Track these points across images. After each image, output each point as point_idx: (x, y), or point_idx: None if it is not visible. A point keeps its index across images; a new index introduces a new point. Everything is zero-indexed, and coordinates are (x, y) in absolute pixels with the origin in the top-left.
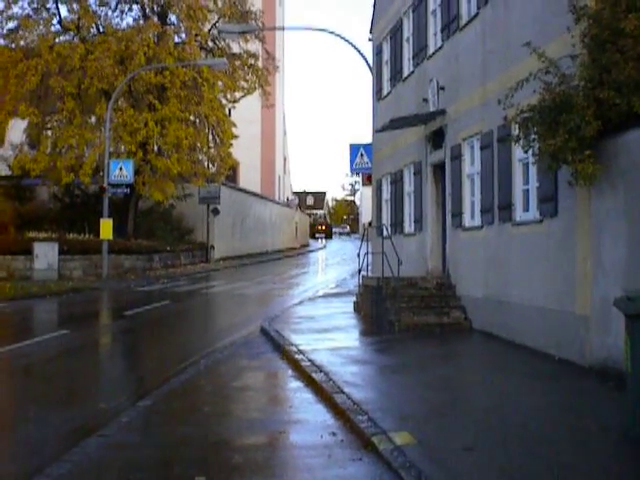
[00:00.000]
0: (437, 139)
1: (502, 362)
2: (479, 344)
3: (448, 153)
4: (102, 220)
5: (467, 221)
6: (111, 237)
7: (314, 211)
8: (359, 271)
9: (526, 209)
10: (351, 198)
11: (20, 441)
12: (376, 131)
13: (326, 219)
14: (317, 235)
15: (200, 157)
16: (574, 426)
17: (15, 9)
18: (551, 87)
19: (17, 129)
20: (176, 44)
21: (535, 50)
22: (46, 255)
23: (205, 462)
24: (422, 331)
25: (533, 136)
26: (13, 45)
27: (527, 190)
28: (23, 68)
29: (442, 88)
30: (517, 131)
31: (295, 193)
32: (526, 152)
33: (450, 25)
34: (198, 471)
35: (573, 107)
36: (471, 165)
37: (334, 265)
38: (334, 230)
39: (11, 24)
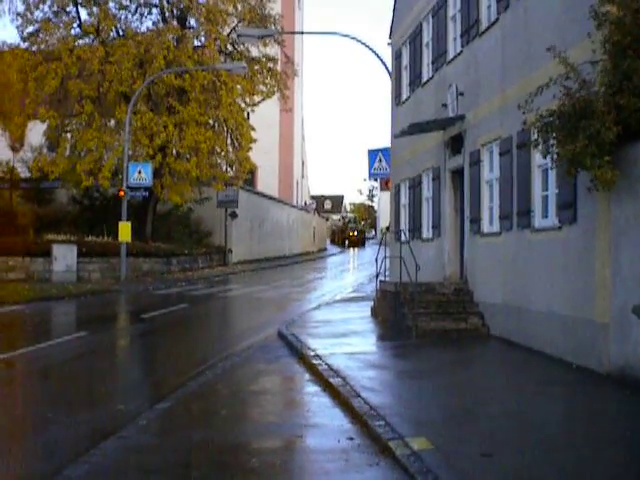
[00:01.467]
0: (456, 144)
1: (520, 369)
2: (497, 350)
3: (467, 159)
4: (121, 223)
5: (485, 227)
6: (129, 240)
7: (333, 215)
8: (376, 276)
9: (545, 215)
10: (369, 203)
11: (39, 442)
12: (395, 136)
13: (356, 222)
14: (347, 242)
15: (218, 161)
16: (592, 433)
17: (36, 13)
18: (571, 92)
19: (36, 132)
20: (195, 48)
21: (559, 54)
22: (65, 257)
23: (222, 465)
24: (439, 337)
25: (552, 141)
26: (33, 48)
27: (546, 196)
28: (43, 71)
29: (461, 93)
30: (536, 136)
31: (313, 197)
32: (545, 157)
33: (470, 30)
34: (216, 474)
35: (593, 113)
36: (490, 171)
37: (351, 270)
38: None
39: (32, 27)
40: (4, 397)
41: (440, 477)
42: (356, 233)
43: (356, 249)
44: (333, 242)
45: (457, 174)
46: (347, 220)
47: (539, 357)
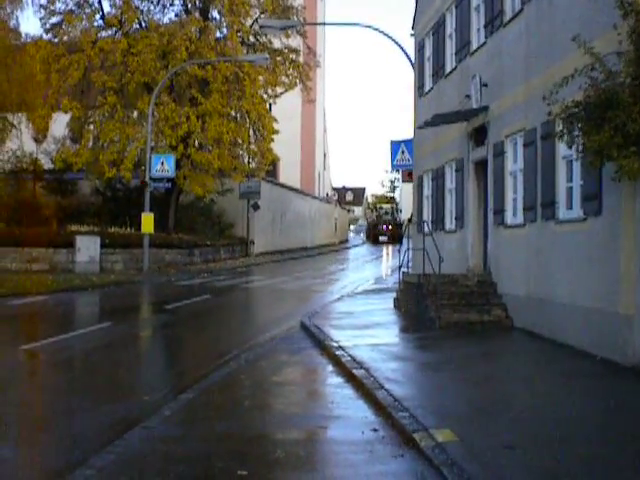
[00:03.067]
0: (479, 136)
1: (543, 361)
2: (520, 342)
3: (490, 150)
4: (143, 214)
5: (509, 219)
6: (152, 231)
7: (355, 207)
8: (399, 267)
9: (569, 207)
10: (390, 194)
11: (65, 432)
12: (418, 127)
13: (394, 214)
14: (380, 238)
15: (240, 152)
16: (615, 426)
17: (58, 4)
18: (597, 83)
19: (60, 123)
20: (217, 39)
21: (584, 44)
22: (88, 248)
23: (246, 456)
24: (463, 329)
25: (577, 132)
26: (56, 40)
27: (571, 188)
28: (66, 63)
29: (485, 84)
30: (561, 127)
31: (334, 189)
32: (570, 148)
33: (494, 21)
34: (239, 465)
35: (619, 104)
36: (514, 162)
37: (373, 261)
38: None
39: (54, 19)
40: (30, 387)
41: (465, 469)
42: (390, 227)
43: (389, 246)
44: (368, 238)
45: (480, 165)
46: (381, 212)
47: (563, 349)
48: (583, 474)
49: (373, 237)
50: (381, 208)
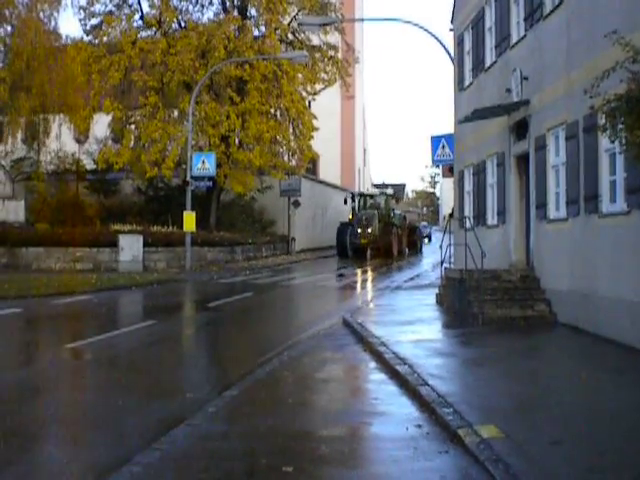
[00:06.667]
0: (521, 130)
1: (588, 356)
2: (564, 338)
3: (532, 144)
4: (185, 213)
5: (552, 213)
6: (194, 229)
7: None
8: (441, 263)
9: (613, 200)
10: (431, 190)
11: (110, 429)
12: (458, 122)
13: (389, 209)
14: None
15: (280, 150)
16: None
17: (98, 6)
18: (638, 77)
19: (101, 124)
20: (256, 37)
21: (618, 40)
22: (131, 247)
23: (291, 452)
24: (506, 324)
25: (620, 126)
26: (96, 41)
27: (614, 181)
28: (106, 64)
29: (526, 78)
30: (604, 121)
31: (374, 185)
32: (613, 142)
33: (534, 14)
34: (285, 461)
35: None
36: (556, 156)
37: (414, 256)
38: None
39: (94, 20)
40: (75, 385)
41: (511, 465)
42: (370, 230)
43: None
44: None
45: (522, 159)
46: (365, 201)
47: (607, 344)
48: (630, 470)
49: (340, 246)
50: (364, 195)
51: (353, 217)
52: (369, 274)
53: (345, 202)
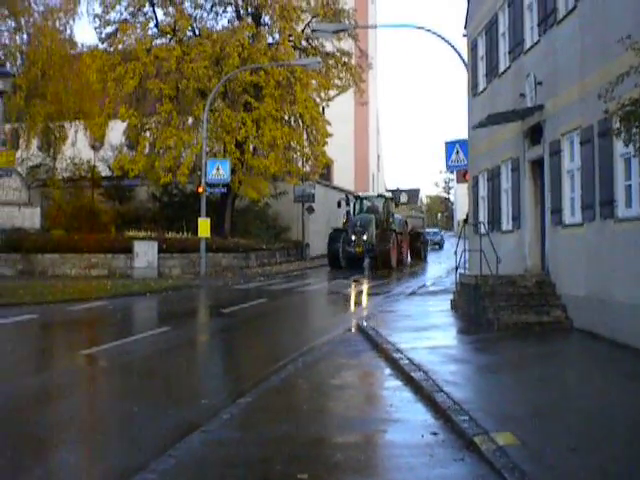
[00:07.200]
0: (535, 135)
1: (604, 362)
2: (580, 343)
3: (547, 149)
4: (200, 219)
5: (567, 218)
6: (209, 236)
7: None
8: (456, 269)
9: (629, 205)
10: (445, 195)
11: (125, 436)
12: (472, 127)
13: (389, 212)
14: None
15: (294, 156)
16: None
17: (113, 14)
18: None
19: (116, 131)
20: (270, 44)
21: (632, 45)
22: (146, 254)
23: (306, 460)
24: (521, 330)
25: (635, 130)
26: (111, 49)
27: (629, 186)
28: (121, 71)
29: (539, 83)
30: (618, 125)
31: (388, 190)
32: (627, 146)
33: (547, 19)
34: (299, 469)
35: None
36: (571, 161)
37: (429, 263)
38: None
39: (109, 28)
40: (91, 392)
41: (527, 473)
42: (363, 237)
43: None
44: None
45: (537, 164)
46: (362, 205)
47: (624, 350)
48: None
49: (331, 255)
50: (360, 198)
51: (347, 222)
52: (382, 280)
53: (339, 205)
